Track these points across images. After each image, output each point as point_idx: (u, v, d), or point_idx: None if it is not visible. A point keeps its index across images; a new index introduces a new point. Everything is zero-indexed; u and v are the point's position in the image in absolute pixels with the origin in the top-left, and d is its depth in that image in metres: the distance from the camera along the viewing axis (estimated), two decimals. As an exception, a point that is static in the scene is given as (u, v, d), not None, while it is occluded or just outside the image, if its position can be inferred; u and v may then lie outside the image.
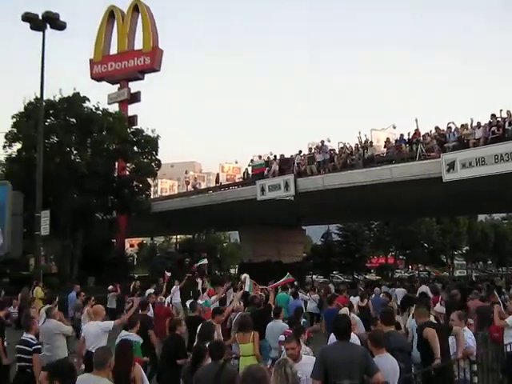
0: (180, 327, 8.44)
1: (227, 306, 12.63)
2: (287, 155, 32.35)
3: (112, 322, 9.57)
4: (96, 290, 26.49)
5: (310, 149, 31.46)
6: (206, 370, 5.93)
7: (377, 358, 6.21)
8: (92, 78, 44.54)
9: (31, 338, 8.15)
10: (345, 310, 10.84)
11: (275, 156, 32.69)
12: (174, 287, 19.47)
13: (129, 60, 42.80)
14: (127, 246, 58.08)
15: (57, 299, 12.60)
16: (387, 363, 6.30)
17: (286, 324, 9.78)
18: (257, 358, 8.36)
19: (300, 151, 31.86)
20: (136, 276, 40.13)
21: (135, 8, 42.79)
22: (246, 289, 15.03)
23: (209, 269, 46.16)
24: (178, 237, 62.38)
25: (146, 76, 43.44)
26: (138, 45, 42.95)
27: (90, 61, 44.58)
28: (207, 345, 6.55)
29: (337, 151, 30.07)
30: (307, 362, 6.29)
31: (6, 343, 9.57)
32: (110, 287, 21.01)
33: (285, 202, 30.23)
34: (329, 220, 49.46)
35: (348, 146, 29.73)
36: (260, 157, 33.37)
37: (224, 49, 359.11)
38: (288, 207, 32.18)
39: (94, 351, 7.14)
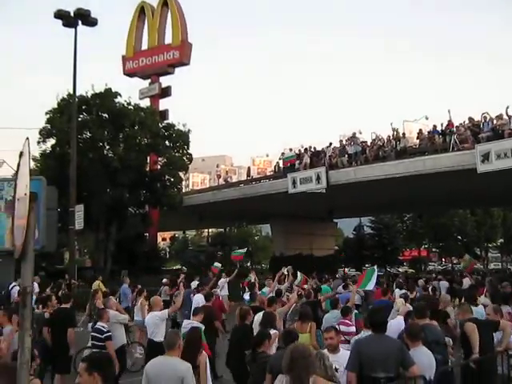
0: (249, 316, 8.99)
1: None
2: (318, 148, 32.23)
3: (166, 310, 10.30)
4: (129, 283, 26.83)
5: (341, 141, 31.25)
6: (279, 356, 5.97)
7: (412, 351, 6.16)
8: (125, 74, 44.86)
9: (103, 326, 9.24)
10: (400, 302, 10.85)
11: (306, 149, 32.54)
12: (223, 279, 19.95)
13: (159, 55, 42.97)
14: (159, 239, 58.59)
15: (119, 292, 13.45)
16: (423, 356, 6.24)
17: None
18: (314, 349, 8.49)
19: (331, 143, 31.71)
20: (176, 268, 40.39)
21: (164, 3, 42.89)
22: (296, 282, 15.49)
23: (240, 262, 46.35)
24: (210, 230, 62.70)
25: (177, 70, 43.56)
26: (168, 39, 43.13)
27: (123, 57, 44.90)
28: (272, 332, 7.14)
29: (369, 143, 29.85)
30: (345, 354, 6.27)
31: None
32: (165, 280, 21.23)
33: (316, 194, 30.10)
34: (361, 213, 49.16)
35: (380, 137, 29.49)
36: (291, 150, 33.26)
37: (254, 41, 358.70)
38: (320, 200, 32.04)
39: (154, 339, 9.49)
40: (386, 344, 6.00)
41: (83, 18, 24.86)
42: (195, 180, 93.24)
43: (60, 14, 24.64)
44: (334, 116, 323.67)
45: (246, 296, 13.75)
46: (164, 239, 75.77)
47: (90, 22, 25.30)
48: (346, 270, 53.95)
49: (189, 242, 67.99)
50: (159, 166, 35.76)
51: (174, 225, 54.43)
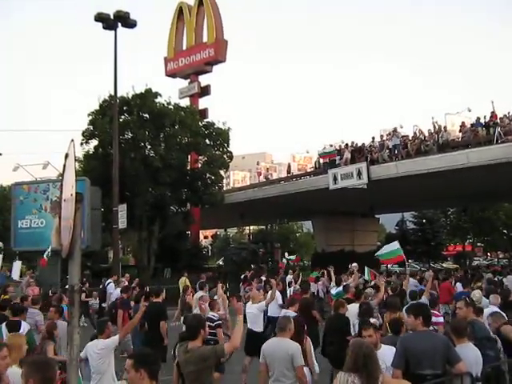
0: (343, 308, 9.78)
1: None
2: (359, 143, 32.03)
3: (263, 302, 11.42)
4: (172, 280, 27.15)
5: (382, 136, 30.97)
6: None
7: (458, 348, 6.07)
8: (166, 75, 45.43)
9: (213, 315, 10.37)
10: (478, 293, 10.75)
11: (347, 144, 32.36)
12: (289, 276, 21.77)
13: (196, 54, 43.25)
14: (201, 237, 59.01)
15: (206, 287, 14.66)
16: (470, 353, 6.15)
17: None
18: None
19: (373, 138, 31.47)
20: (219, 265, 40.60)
21: (200, 1, 43.19)
22: (366, 277, 16.50)
23: (282, 259, 46.36)
24: (251, 228, 62.86)
25: (216, 68, 43.75)
26: (206, 38, 43.33)
27: (164, 59, 45.52)
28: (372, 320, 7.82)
29: (410, 137, 29.52)
30: (387, 351, 6.22)
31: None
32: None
33: (358, 190, 29.89)
34: (403, 208, 48.56)
35: (421, 131, 29.14)
36: (331, 145, 33.11)
37: (294, 38, 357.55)
38: (361, 196, 31.83)
39: (253, 329, 10.85)
40: (432, 340, 5.93)
41: (123, 20, 25.21)
42: (236, 178, 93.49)
43: (100, 17, 25.04)
44: (375, 112, 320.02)
45: (333, 290, 14.27)
46: (206, 237, 76.33)
47: (130, 23, 25.65)
48: (389, 265, 53.38)
49: (230, 239, 68.24)
50: (200, 165, 35.99)
51: (215, 223, 54.77)
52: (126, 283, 18.63)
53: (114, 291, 18.09)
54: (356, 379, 4.46)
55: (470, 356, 6.07)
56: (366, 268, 17.01)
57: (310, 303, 11.92)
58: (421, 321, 6.08)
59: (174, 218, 34.87)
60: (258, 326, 11.11)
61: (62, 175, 3.44)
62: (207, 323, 9.71)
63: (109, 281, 20.35)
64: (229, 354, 7.90)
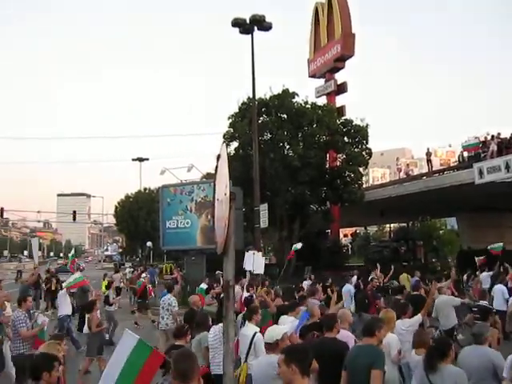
0: None
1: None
2: (506, 134, 30.34)
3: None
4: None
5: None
6: None
7: None
8: (309, 76, 46.24)
9: None
10: None
11: (492, 136, 30.73)
12: None
13: (328, 52, 43.39)
14: (341, 235, 58.74)
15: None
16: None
17: None
18: None
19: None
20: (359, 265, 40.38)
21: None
22: None
23: (425, 257, 45.01)
24: (392, 225, 61.62)
25: (351, 64, 43.55)
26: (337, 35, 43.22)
27: (308, 60, 46.27)
28: None
29: None
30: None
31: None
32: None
33: (505, 184, 28.32)
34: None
35: None
36: (476, 138, 31.63)
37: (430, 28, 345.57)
38: (510, 190, 30.12)
39: None
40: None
41: (258, 23, 25.65)
42: (375, 175, 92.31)
43: (237, 22, 25.59)
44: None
45: None
46: (345, 235, 75.91)
47: (266, 26, 26.01)
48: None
49: (370, 237, 67.37)
50: (339, 163, 35.85)
51: (354, 221, 54.31)
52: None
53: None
54: None
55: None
56: None
57: None
58: None
59: (313, 217, 35.02)
60: None
61: (214, 176, 3.59)
62: None
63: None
64: None
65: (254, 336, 7.37)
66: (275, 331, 6.09)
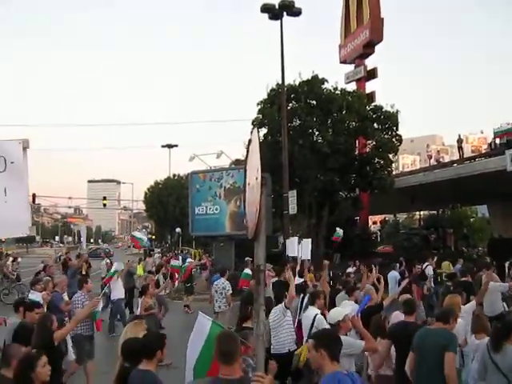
0: None
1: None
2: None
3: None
4: (342, 266, 27.21)
5: None
6: None
7: None
8: (340, 62, 46.03)
9: None
10: None
11: (526, 122, 30.28)
12: None
13: (357, 37, 43.10)
14: (370, 223, 58.42)
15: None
16: None
17: None
18: None
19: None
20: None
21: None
22: None
23: (455, 245, 44.60)
24: (421, 213, 61.11)
25: (382, 50, 43.23)
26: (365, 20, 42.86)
27: (339, 46, 46.03)
28: None
29: None
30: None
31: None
32: None
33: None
34: None
35: None
36: (509, 124, 31.14)
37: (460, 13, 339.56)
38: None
39: None
40: None
41: (288, 8, 25.54)
42: (405, 162, 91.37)
43: (266, 8, 25.56)
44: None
45: None
46: (374, 222, 75.39)
47: (295, 12, 25.91)
48: None
49: (400, 225, 66.85)
50: (368, 149, 35.57)
51: (384, 208, 54.00)
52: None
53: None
54: None
55: None
56: None
57: None
58: None
59: (342, 204, 34.88)
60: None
61: (245, 161, 3.61)
62: None
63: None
64: None
65: (314, 317, 7.83)
66: (337, 313, 6.48)
